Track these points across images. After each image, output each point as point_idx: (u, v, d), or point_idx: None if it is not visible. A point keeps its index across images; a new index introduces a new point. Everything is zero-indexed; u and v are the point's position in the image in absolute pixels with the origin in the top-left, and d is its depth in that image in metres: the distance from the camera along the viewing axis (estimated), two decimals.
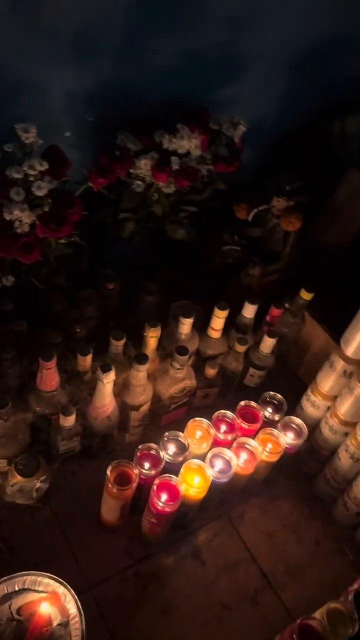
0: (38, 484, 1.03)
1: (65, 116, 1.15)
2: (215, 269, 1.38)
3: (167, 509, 0.94)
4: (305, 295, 1.22)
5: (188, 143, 1.05)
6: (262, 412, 1.09)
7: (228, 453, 1.01)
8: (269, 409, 1.11)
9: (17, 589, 0.95)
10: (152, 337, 1.09)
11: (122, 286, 1.32)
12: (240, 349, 1.17)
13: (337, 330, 1.09)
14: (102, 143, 1.14)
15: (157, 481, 0.95)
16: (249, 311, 1.18)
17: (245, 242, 1.37)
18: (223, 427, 1.07)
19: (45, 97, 1.10)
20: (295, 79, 1.38)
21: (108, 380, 0.98)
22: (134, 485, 0.96)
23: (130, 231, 1.20)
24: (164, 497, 0.95)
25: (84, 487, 1.09)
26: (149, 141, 1.11)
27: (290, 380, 1.32)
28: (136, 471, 0.96)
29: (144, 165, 1.08)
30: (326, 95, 1.45)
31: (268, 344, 1.18)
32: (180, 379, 1.11)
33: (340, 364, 1.05)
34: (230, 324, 1.22)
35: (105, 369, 0.97)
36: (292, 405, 1.17)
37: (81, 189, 1.02)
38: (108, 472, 0.95)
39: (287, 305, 1.25)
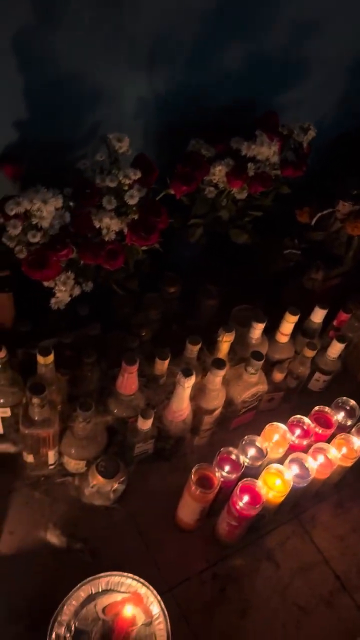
0: (116, 485, 1.05)
1: (136, 122, 1.16)
2: (276, 272, 1.39)
3: (250, 512, 0.96)
4: None
5: (268, 150, 1.06)
6: (335, 417, 1.10)
7: (308, 459, 1.02)
8: (341, 414, 1.12)
9: (101, 589, 0.97)
10: (226, 341, 1.10)
11: (183, 289, 1.33)
12: (309, 353, 1.18)
13: None
14: (170, 149, 1.15)
15: (240, 484, 0.96)
16: (319, 316, 1.19)
17: (307, 245, 1.37)
18: (297, 432, 1.08)
19: (119, 103, 1.11)
20: (356, 82, 1.38)
21: (188, 385, 1.00)
22: (217, 488, 0.97)
23: (198, 236, 1.21)
24: (245, 499, 0.96)
25: (157, 488, 1.11)
26: (223, 147, 1.12)
27: (353, 384, 1.33)
28: (218, 474, 0.98)
29: (218, 172, 1.09)
30: None
31: (337, 348, 1.19)
32: (253, 383, 1.12)
33: None
34: (296, 329, 1.23)
35: (187, 374, 0.98)
36: None
37: (160, 196, 1.03)
38: (192, 475, 0.97)
39: (353, 309, 1.25)
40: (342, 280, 1.36)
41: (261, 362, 1.08)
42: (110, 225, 0.91)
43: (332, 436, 1.09)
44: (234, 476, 0.99)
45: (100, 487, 1.04)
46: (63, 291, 0.94)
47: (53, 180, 0.97)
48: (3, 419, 1.03)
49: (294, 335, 1.23)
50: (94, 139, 1.07)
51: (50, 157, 1.05)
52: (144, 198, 0.94)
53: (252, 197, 1.20)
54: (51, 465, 1.07)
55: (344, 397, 1.13)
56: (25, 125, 1.02)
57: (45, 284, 0.95)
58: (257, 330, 1.13)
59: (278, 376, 1.19)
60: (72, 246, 0.91)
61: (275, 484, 1.00)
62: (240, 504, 0.95)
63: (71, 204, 0.91)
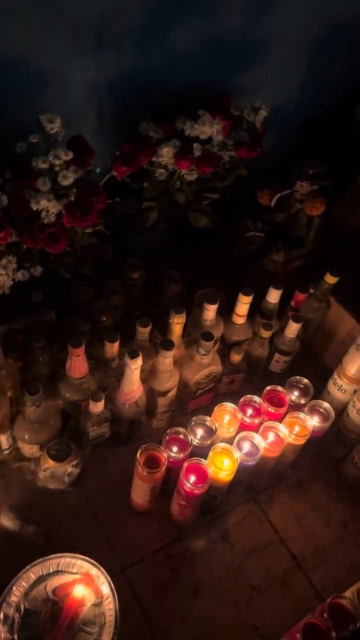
0: (70, 469, 1.05)
1: (87, 106, 1.16)
2: (238, 256, 1.38)
3: (196, 491, 0.96)
4: (330, 279, 1.21)
5: (210, 129, 1.05)
6: (288, 397, 1.10)
7: (255, 436, 1.02)
8: (295, 393, 1.11)
9: (51, 570, 0.97)
10: (178, 323, 1.10)
11: (146, 275, 1.33)
12: (266, 334, 1.18)
13: None
14: (124, 132, 1.15)
15: (186, 464, 0.96)
16: (274, 296, 1.18)
17: (268, 228, 1.37)
18: (250, 412, 1.07)
19: (67, 88, 1.11)
20: (317, 62, 1.37)
21: (135, 366, 1.00)
22: (163, 467, 0.97)
23: (153, 220, 1.21)
24: (192, 479, 0.96)
25: (114, 472, 1.12)
26: (171, 129, 1.11)
27: (315, 366, 1.33)
28: (165, 454, 0.98)
29: (166, 153, 1.09)
30: (349, 78, 1.43)
31: (293, 329, 1.18)
32: (206, 364, 1.12)
33: None
34: (255, 310, 1.23)
35: (133, 355, 0.99)
36: (318, 391, 1.17)
37: (105, 179, 1.03)
38: (138, 456, 0.97)
39: (311, 290, 1.25)
40: (304, 261, 1.35)
41: (211, 343, 1.08)
42: (48, 207, 0.92)
43: (286, 416, 1.08)
44: (182, 456, 0.99)
45: (54, 471, 1.05)
46: (3, 275, 0.94)
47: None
48: None
49: (253, 316, 1.23)
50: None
51: None
52: (82, 180, 0.94)
53: (207, 180, 1.20)
54: (6, 450, 1.08)
55: (298, 377, 1.13)
56: None
57: None
58: (210, 311, 1.13)
59: (236, 358, 1.18)
60: (11, 229, 0.92)
61: (223, 464, 0.99)
62: (187, 483, 0.96)
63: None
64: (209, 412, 1.06)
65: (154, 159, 1.11)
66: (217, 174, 1.21)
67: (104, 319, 1.23)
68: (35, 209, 0.92)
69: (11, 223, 0.93)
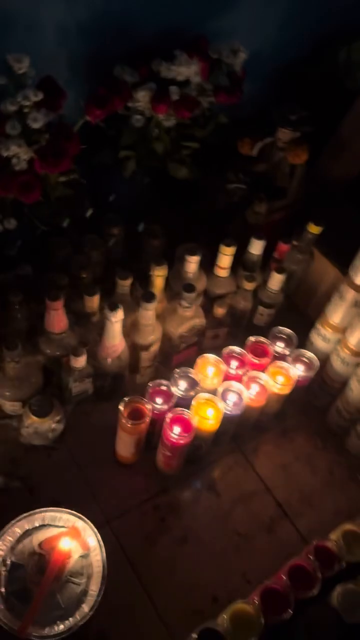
0: (53, 425, 1.04)
1: (59, 50, 1.10)
2: (219, 208, 1.35)
3: (180, 441, 0.95)
4: (314, 230, 1.19)
5: (187, 70, 1.01)
6: (272, 347, 1.09)
7: (239, 386, 1.01)
8: (279, 344, 1.10)
9: (37, 525, 0.97)
10: (159, 276, 1.08)
11: (126, 231, 1.30)
12: (249, 286, 1.16)
13: (346, 265, 1.07)
14: (97, 78, 1.10)
15: (169, 414, 0.96)
16: (256, 247, 1.16)
17: (250, 179, 1.33)
18: (234, 363, 1.07)
19: (38, 30, 1.06)
20: (295, 5, 1.32)
21: (116, 319, 0.98)
22: (147, 419, 0.96)
23: (131, 171, 1.17)
24: (177, 429, 0.95)
25: (98, 427, 1.11)
26: (146, 72, 1.07)
27: (299, 318, 1.31)
28: (149, 406, 0.97)
29: (142, 97, 1.04)
30: (329, 22, 1.38)
31: (276, 280, 1.16)
32: (189, 317, 1.10)
33: (350, 294, 1.04)
34: (238, 263, 1.21)
35: (113, 308, 0.97)
36: (302, 343, 1.16)
37: (79, 125, 0.99)
38: (121, 408, 0.96)
39: (295, 242, 1.23)
40: (287, 213, 1.33)
41: (193, 295, 1.06)
42: (18, 153, 0.88)
43: (269, 366, 1.08)
44: (166, 407, 0.98)
45: (37, 427, 1.04)
46: None
47: None
48: None
49: (236, 269, 1.21)
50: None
51: None
52: (54, 124, 0.90)
53: (186, 127, 1.16)
54: None
55: (281, 327, 1.12)
56: None
57: None
58: (192, 264, 1.11)
59: (219, 311, 1.17)
60: None
61: (207, 413, 0.99)
62: (172, 434, 0.95)
63: None
64: (193, 367, 1.05)
65: (129, 104, 1.07)
66: (196, 121, 1.17)
67: (83, 275, 1.20)
68: (5, 155, 0.87)
69: None
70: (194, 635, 0.75)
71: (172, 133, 1.16)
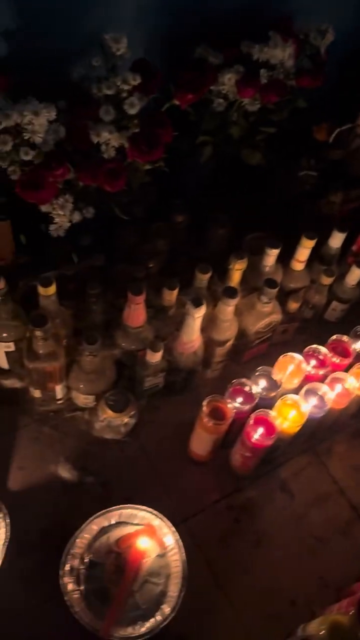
0: (127, 419, 1.02)
1: (137, 28, 1.04)
2: (291, 197, 1.30)
3: (265, 443, 0.92)
4: None
5: (282, 52, 0.95)
6: (353, 346, 1.05)
7: (323, 388, 0.98)
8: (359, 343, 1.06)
9: (113, 522, 0.96)
10: (238, 269, 1.04)
11: (192, 218, 1.25)
12: (327, 281, 1.11)
13: None
14: (175, 59, 1.04)
15: (253, 415, 0.93)
16: (337, 240, 1.11)
17: (324, 166, 1.27)
18: (313, 362, 1.03)
19: (116, 7, 1.00)
20: None
21: (198, 315, 0.95)
22: (229, 420, 0.94)
23: (208, 156, 1.12)
24: (260, 430, 0.93)
25: (169, 422, 1.09)
26: (232, 53, 1.01)
27: None
28: (231, 406, 0.94)
29: (228, 80, 0.98)
30: None
31: (356, 275, 1.12)
32: (267, 313, 1.06)
33: None
34: (313, 256, 1.16)
35: (197, 304, 0.93)
36: None
37: (165, 107, 0.94)
38: (204, 407, 0.93)
39: None
40: None
41: (275, 291, 1.02)
42: (109, 139, 0.83)
43: (351, 366, 1.04)
44: (247, 407, 0.95)
45: (111, 421, 1.02)
46: (62, 216, 0.87)
47: (47, 94, 0.88)
48: (7, 353, 0.99)
49: (310, 263, 1.16)
50: (90, 46, 0.96)
51: (43, 68, 0.94)
52: (146, 108, 0.85)
53: (265, 111, 1.10)
54: (59, 400, 1.05)
55: None
56: (13, 32, 0.92)
57: (43, 208, 0.89)
58: (271, 257, 1.07)
59: (293, 306, 1.13)
60: (69, 165, 0.84)
61: (290, 415, 0.96)
62: (255, 435, 0.92)
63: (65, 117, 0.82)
64: (264, 362, 1.01)
65: (212, 87, 1.01)
66: (275, 105, 1.11)
67: (151, 265, 1.16)
68: (95, 141, 0.83)
69: (68, 158, 0.85)
70: None
71: (251, 117, 1.10)
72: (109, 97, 0.82)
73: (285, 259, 1.13)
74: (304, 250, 1.08)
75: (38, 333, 0.88)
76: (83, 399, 1.04)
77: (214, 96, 1.03)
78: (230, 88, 1.01)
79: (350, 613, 0.78)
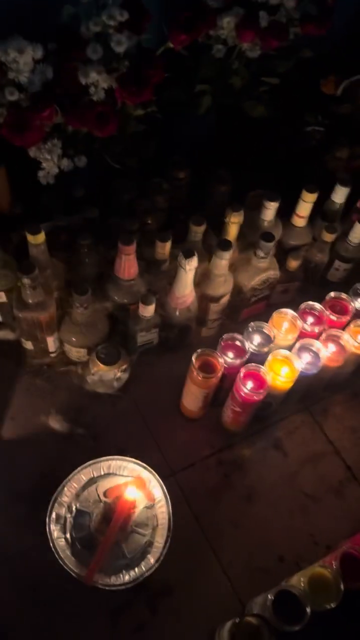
0: (119, 374, 1.01)
1: None
2: (295, 153, 1.26)
3: (254, 397, 0.91)
4: None
5: None
6: (352, 304, 1.02)
7: (317, 344, 0.95)
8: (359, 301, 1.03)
9: (102, 473, 0.96)
10: (234, 222, 1.01)
11: (192, 176, 1.22)
12: (329, 237, 1.08)
13: None
14: (174, 5, 1.01)
15: (243, 369, 0.91)
16: (340, 195, 1.08)
17: (330, 121, 1.23)
18: (310, 320, 1.00)
19: None
20: None
21: (190, 267, 0.93)
22: (219, 373, 0.92)
23: (206, 107, 1.08)
24: (250, 385, 0.91)
25: (162, 378, 1.08)
26: None
27: None
28: (221, 360, 0.93)
29: (226, 24, 0.95)
30: None
31: (359, 232, 1.08)
32: (263, 268, 1.04)
33: None
34: (315, 213, 1.12)
35: (188, 255, 0.91)
36: None
37: (160, 51, 0.90)
38: (193, 360, 0.92)
39: None
40: None
41: (271, 244, 0.99)
42: (98, 80, 0.81)
43: (348, 324, 1.01)
44: (238, 362, 0.93)
45: (103, 375, 1.01)
46: (49, 160, 0.85)
47: (37, 36, 0.86)
48: None
49: (312, 220, 1.13)
50: None
51: (32, 9, 0.92)
52: (138, 49, 0.82)
53: (268, 60, 1.06)
54: (52, 353, 1.04)
55: None
56: None
57: (30, 153, 0.87)
58: (270, 210, 1.04)
59: (293, 264, 1.10)
60: (57, 107, 0.82)
61: (281, 371, 0.94)
62: (244, 389, 0.91)
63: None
64: (263, 321, 0.99)
65: (211, 32, 0.97)
66: (277, 54, 1.07)
67: (149, 220, 1.14)
68: (84, 82, 0.81)
69: (56, 101, 0.83)
70: (270, 597, 0.73)
71: (252, 66, 1.06)
72: (98, 36, 0.79)
73: (287, 216, 1.10)
74: (305, 204, 1.05)
75: (26, 280, 0.87)
76: (75, 352, 1.03)
77: (212, 42, 0.99)
78: (230, 32, 0.97)
79: (333, 566, 0.77)
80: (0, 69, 0.78)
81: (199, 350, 0.93)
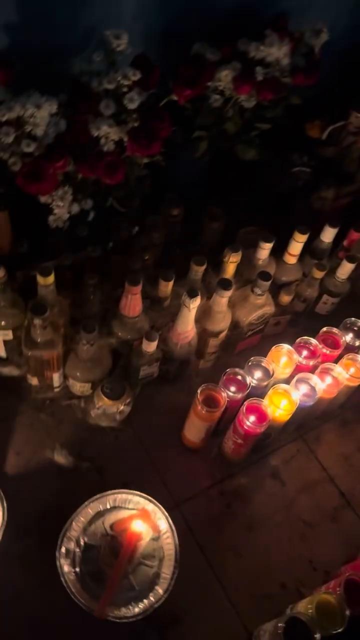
0: (122, 407, 1.04)
1: (136, 25, 1.06)
2: (283, 192, 1.32)
3: (257, 430, 0.95)
4: None
5: (278, 51, 0.98)
6: (343, 339, 1.08)
7: (314, 378, 1.01)
8: (350, 335, 1.09)
9: (108, 506, 0.98)
10: (232, 262, 1.07)
11: (186, 212, 1.27)
12: (318, 274, 1.14)
13: None
14: (173, 55, 1.06)
15: (246, 403, 0.95)
16: (329, 235, 1.14)
17: (316, 163, 1.30)
18: (304, 353, 1.06)
19: (117, 3, 1.02)
20: None
21: (194, 306, 0.97)
22: (223, 407, 0.96)
23: (203, 151, 1.14)
24: (252, 418, 0.95)
25: (162, 410, 1.11)
26: (229, 50, 1.03)
27: None
28: (224, 394, 0.97)
29: (224, 77, 1.01)
30: None
31: (347, 269, 1.15)
32: (260, 305, 1.09)
33: None
34: (305, 250, 1.19)
35: (192, 295, 0.96)
36: None
37: (163, 102, 0.96)
38: (198, 395, 0.96)
39: None
40: (353, 199, 1.30)
41: (268, 283, 1.05)
42: (109, 133, 0.85)
43: (340, 357, 1.07)
44: (239, 396, 0.98)
45: (106, 409, 1.04)
46: (61, 207, 0.89)
47: (48, 87, 0.90)
48: (5, 342, 1.01)
49: (302, 257, 1.19)
50: (90, 41, 0.98)
51: (44, 62, 0.96)
52: (145, 103, 0.87)
53: (260, 108, 1.13)
54: (56, 388, 1.07)
55: (353, 318, 1.11)
56: (15, 27, 0.94)
57: (42, 199, 0.91)
58: (264, 250, 1.09)
59: (285, 299, 1.16)
60: (69, 157, 0.86)
61: (281, 403, 0.99)
62: (247, 422, 0.95)
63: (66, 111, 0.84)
64: (256, 354, 1.04)
65: (209, 83, 1.03)
66: (269, 102, 1.14)
67: (146, 257, 1.18)
68: (95, 135, 0.85)
69: (68, 150, 0.87)
70: (281, 624, 0.76)
71: (246, 113, 1.12)
72: (109, 92, 0.84)
73: (277, 253, 1.16)
74: (297, 244, 1.11)
75: (37, 321, 0.90)
76: (79, 387, 1.06)
77: (210, 92, 1.05)
78: (227, 84, 1.03)
79: (338, 592, 0.81)
80: (17, 122, 0.82)
81: (203, 385, 0.97)
